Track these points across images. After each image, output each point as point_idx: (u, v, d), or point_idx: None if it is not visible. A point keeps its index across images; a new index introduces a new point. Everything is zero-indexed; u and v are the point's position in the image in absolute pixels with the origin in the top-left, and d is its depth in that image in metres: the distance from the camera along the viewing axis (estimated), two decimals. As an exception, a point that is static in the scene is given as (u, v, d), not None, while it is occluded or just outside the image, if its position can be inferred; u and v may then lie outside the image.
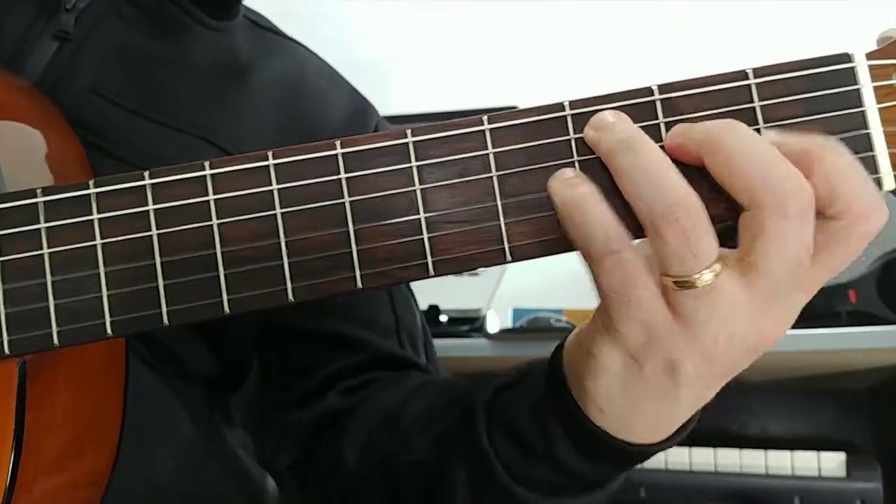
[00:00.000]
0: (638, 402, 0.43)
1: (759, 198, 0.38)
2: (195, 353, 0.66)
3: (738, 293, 0.39)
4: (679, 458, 1.22)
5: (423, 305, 1.26)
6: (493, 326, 1.24)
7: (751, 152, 0.38)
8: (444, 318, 1.29)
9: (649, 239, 0.39)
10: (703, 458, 1.22)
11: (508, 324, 1.28)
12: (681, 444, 1.33)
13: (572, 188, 0.40)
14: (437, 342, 1.21)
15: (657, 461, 1.20)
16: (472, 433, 0.52)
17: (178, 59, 0.67)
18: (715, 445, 1.23)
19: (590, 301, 0.42)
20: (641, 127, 0.41)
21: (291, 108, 0.71)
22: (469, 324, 1.26)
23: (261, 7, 0.78)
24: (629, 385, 0.43)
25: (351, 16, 1.67)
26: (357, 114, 0.75)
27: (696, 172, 0.39)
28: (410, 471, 0.58)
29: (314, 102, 0.73)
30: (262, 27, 0.76)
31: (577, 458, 0.48)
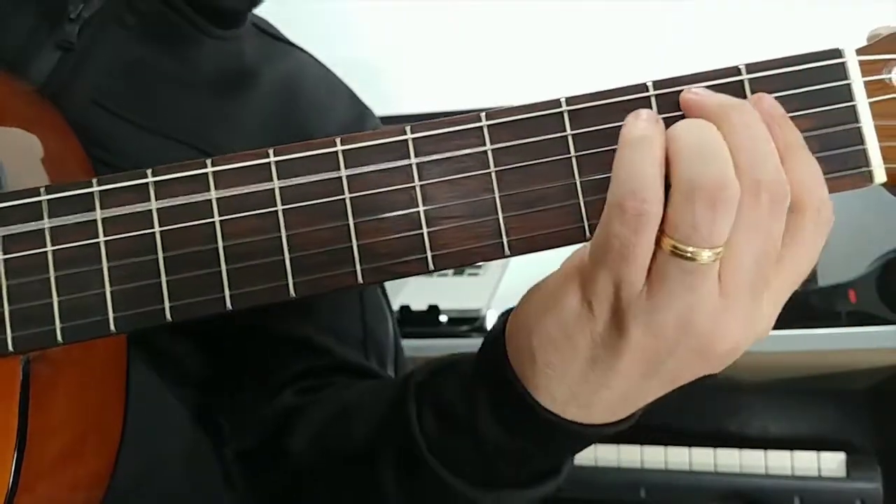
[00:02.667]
0: (573, 357, 0.42)
1: (739, 177, 0.38)
2: (190, 355, 0.66)
3: (715, 287, 0.39)
4: (679, 458, 1.22)
5: (423, 305, 1.26)
6: (493, 327, 1.23)
7: (749, 133, 0.39)
8: (444, 318, 1.28)
9: (673, 199, 0.38)
10: (703, 458, 1.22)
11: (508, 324, 1.27)
12: (681, 444, 1.32)
13: (637, 129, 0.40)
14: (437, 342, 1.21)
15: (657, 461, 1.20)
16: (402, 414, 0.52)
17: (180, 72, 0.67)
18: (715, 445, 1.22)
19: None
20: None
21: (291, 118, 0.71)
22: (469, 324, 1.26)
23: (260, 7, 0.78)
24: (572, 333, 0.42)
25: (350, 15, 1.67)
26: (356, 122, 0.76)
27: None
28: (346, 459, 0.58)
29: (313, 112, 0.73)
30: (268, 33, 0.76)
31: (492, 422, 0.47)
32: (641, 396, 0.44)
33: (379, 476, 0.54)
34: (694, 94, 0.41)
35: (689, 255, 0.38)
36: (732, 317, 0.40)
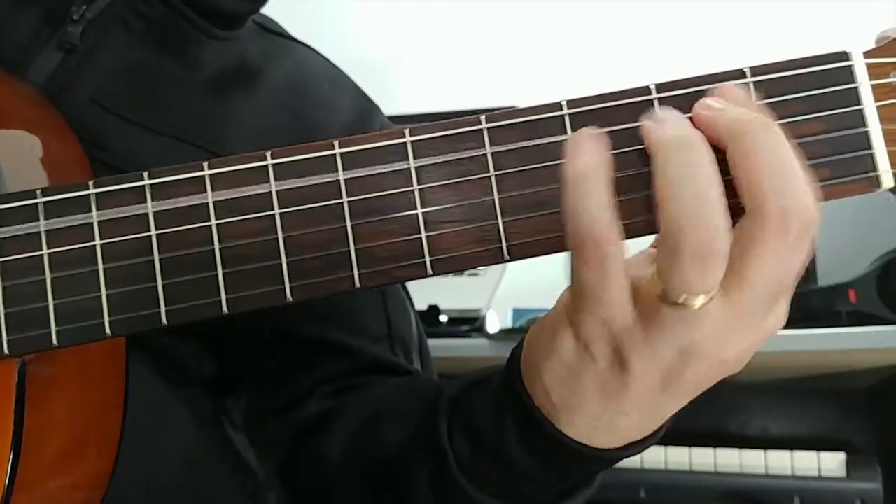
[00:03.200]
0: (584, 394, 0.42)
1: (764, 205, 0.36)
2: (193, 356, 0.66)
3: (719, 313, 0.37)
4: (679, 458, 1.22)
5: (423, 305, 1.26)
6: (493, 326, 1.23)
7: (774, 155, 0.37)
8: (443, 318, 1.28)
9: (661, 246, 0.37)
10: (703, 458, 1.22)
11: (508, 324, 1.27)
12: (680, 444, 1.32)
13: (582, 156, 0.38)
14: (437, 342, 1.22)
15: (657, 461, 1.20)
16: (433, 430, 0.51)
17: (182, 73, 0.67)
18: (715, 445, 1.23)
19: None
20: (639, 126, 0.40)
21: (295, 116, 0.70)
22: (469, 324, 1.26)
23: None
24: (577, 373, 0.41)
25: (351, 16, 1.67)
26: (361, 118, 0.75)
27: None
28: (383, 468, 0.57)
29: (318, 109, 0.72)
30: (270, 31, 0.76)
31: (523, 452, 0.46)
32: (662, 412, 0.43)
33: (414, 482, 0.54)
34: (706, 108, 0.39)
35: (681, 304, 0.37)
36: (741, 333, 0.38)
